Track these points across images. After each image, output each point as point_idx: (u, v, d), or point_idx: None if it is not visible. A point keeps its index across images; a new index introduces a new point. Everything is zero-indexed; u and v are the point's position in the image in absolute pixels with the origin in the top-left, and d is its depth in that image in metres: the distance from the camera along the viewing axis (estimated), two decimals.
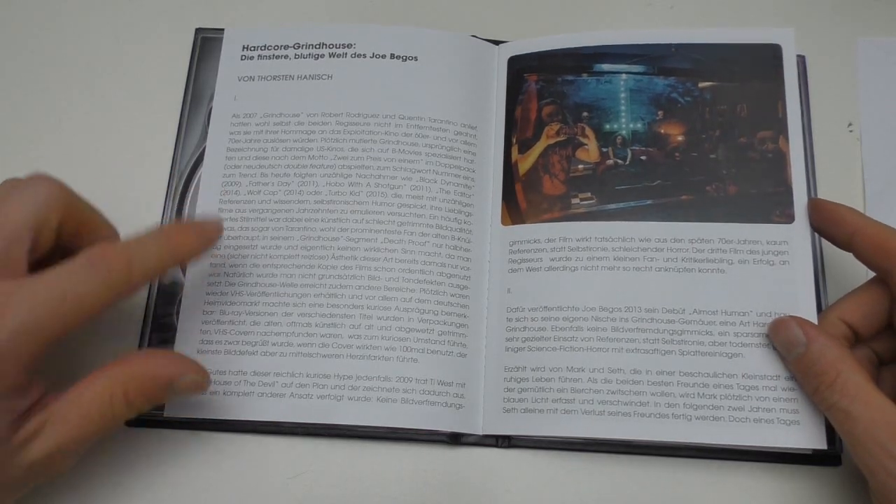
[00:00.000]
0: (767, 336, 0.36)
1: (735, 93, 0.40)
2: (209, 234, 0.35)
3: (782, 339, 0.35)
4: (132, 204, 0.42)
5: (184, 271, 0.40)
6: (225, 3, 0.47)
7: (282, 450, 0.38)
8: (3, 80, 0.45)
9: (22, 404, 0.29)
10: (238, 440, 0.38)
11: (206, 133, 0.42)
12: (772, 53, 0.40)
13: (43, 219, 0.30)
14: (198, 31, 0.45)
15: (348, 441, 0.38)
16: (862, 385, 0.32)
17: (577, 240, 0.38)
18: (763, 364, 0.36)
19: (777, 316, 0.36)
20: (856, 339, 0.35)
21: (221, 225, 0.36)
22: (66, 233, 0.32)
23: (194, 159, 0.42)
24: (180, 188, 0.42)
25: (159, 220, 0.41)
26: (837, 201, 0.37)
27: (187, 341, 0.39)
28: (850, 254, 0.36)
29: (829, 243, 0.37)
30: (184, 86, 0.44)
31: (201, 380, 0.34)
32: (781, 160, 0.39)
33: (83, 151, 0.43)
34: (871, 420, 0.31)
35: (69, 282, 0.29)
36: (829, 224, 0.36)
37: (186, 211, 0.41)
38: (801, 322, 0.35)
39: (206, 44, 0.44)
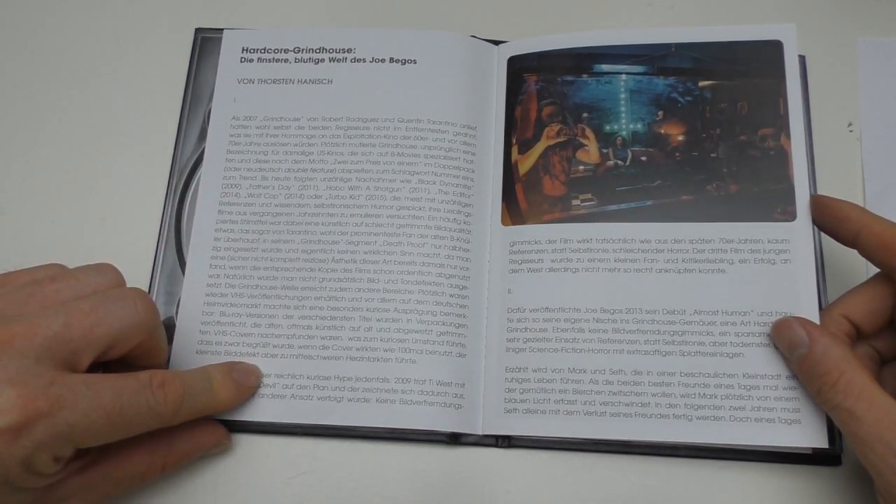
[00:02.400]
0: (770, 336, 0.36)
1: (736, 90, 0.40)
2: (249, 390, 0.37)
3: (785, 339, 0.35)
4: (132, 202, 0.42)
5: (183, 271, 0.40)
6: (224, 3, 0.47)
7: (282, 450, 0.38)
8: (2, 80, 0.45)
9: (50, 479, 0.30)
10: (239, 440, 0.38)
11: (206, 133, 0.42)
12: (773, 50, 0.40)
13: (125, 338, 0.31)
14: (197, 30, 0.45)
15: (348, 441, 0.38)
16: (866, 384, 0.31)
17: (578, 241, 0.38)
18: (764, 363, 0.36)
19: (779, 315, 0.36)
20: (858, 336, 0.35)
21: (261, 375, 0.38)
22: (133, 351, 0.32)
23: (194, 159, 0.42)
24: (180, 187, 0.42)
25: (159, 218, 0.41)
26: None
27: (186, 341, 0.39)
28: (852, 250, 0.35)
29: (828, 240, 0.37)
30: (183, 85, 0.44)
31: (228, 444, 0.37)
32: (783, 157, 0.39)
33: (83, 150, 0.43)
34: (876, 420, 0.30)
35: (129, 398, 0.30)
36: (833, 221, 0.36)
37: (186, 210, 0.41)
38: (804, 322, 0.34)
39: (206, 44, 0.44)
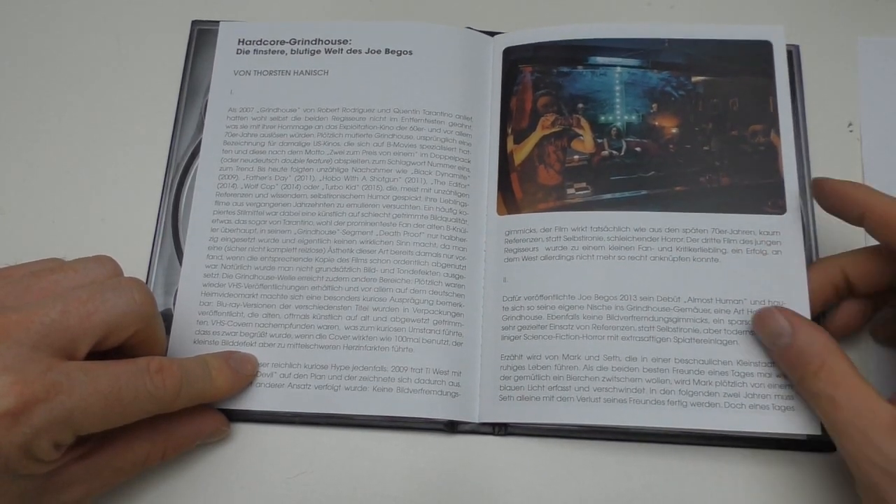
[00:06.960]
0: (752, 325, 0.36)
1: (727, 87, 0.41)
2: (245, 378, 0.37)
3: (768, 329, 0.35)
4: (130, 195, 0.42)
5: (180, 261, 0.40)
6: None
7: (279, 439, 0.38)
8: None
9: (51, 465, 0.30)
10: (237, 429, 0.38)
11: (203, 125, 0.43)
12: (763, 50, 0.41)
13: (121, 326, 0.31)
14: (194, 23, 0.45)
15: (346, 430, 0.38)
16: (847, 373, 0.32)
17: (573, 229, 0.39)
18: (758, 351, 0.36)
19: (769, 304, 0.36)
20: (848, 293, 0.36)
21: (258, 363, 0.38)
22: (131, 340, 0.32)
23: (191, 151, 0.42)
24: (177, 179, 0.42)
25: (156, 210, 0.41)
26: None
27: (183, 331, 0.39)
28: (842, 243, 0.36)
29: (822, 232, 0.37)
30: (180, 77, 0.44)
31: (227, 432, 0.37)
32: (773, 153, 0.39)
33: (80, 143, 0.43)
34: (855, 408, 0.31)
35: (126, 383, 0.30)
36: (838, 203, 0.35)
37: (183, 202, 0.41)
38: (786, 312, 0.35)
39: (202, 36, 0.45)
